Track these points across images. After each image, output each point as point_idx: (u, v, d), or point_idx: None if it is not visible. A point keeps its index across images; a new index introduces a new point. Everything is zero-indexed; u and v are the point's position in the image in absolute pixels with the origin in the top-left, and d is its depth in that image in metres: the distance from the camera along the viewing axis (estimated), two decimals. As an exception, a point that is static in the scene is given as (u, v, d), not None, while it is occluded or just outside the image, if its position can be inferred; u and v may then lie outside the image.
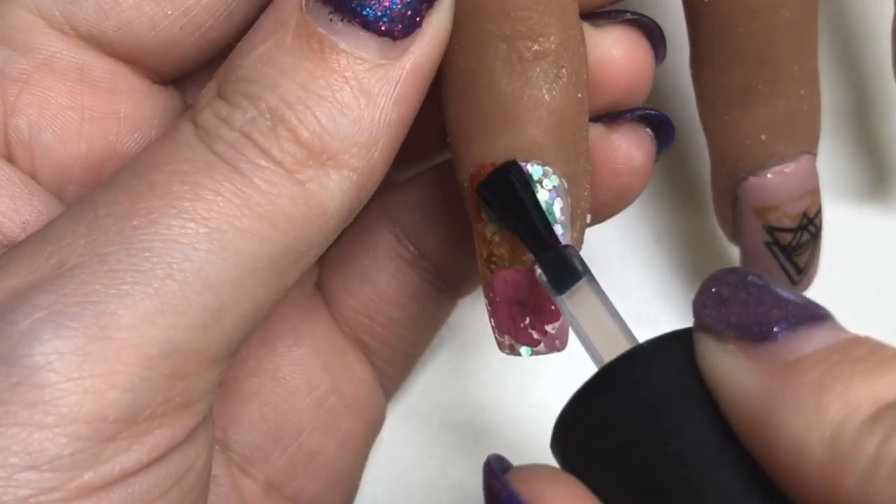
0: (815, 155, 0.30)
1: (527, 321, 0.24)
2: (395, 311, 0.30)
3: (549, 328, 0.24)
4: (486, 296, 0.24)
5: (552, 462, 0.34)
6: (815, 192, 0.30)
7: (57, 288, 0.21)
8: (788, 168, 0.29)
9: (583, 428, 0.21)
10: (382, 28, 0.23)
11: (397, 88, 0.23)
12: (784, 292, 0.20)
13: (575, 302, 0.23)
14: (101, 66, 0.26)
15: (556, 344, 0.24)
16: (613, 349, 0.22)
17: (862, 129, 0.37)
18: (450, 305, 0.31)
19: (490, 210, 0.24)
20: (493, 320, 0.25)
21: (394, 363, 0.30)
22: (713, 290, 0.20)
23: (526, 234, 0.23)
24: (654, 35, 0.27)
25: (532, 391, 0.34)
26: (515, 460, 0.34)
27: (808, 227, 0.30)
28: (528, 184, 0.23)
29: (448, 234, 0.29)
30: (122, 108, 0.26)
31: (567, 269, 0.23)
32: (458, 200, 0.29)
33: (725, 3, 0.27)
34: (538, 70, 0.24)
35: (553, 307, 0.24)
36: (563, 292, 0.23)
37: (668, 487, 0.20)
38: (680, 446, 0.20)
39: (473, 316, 0.34)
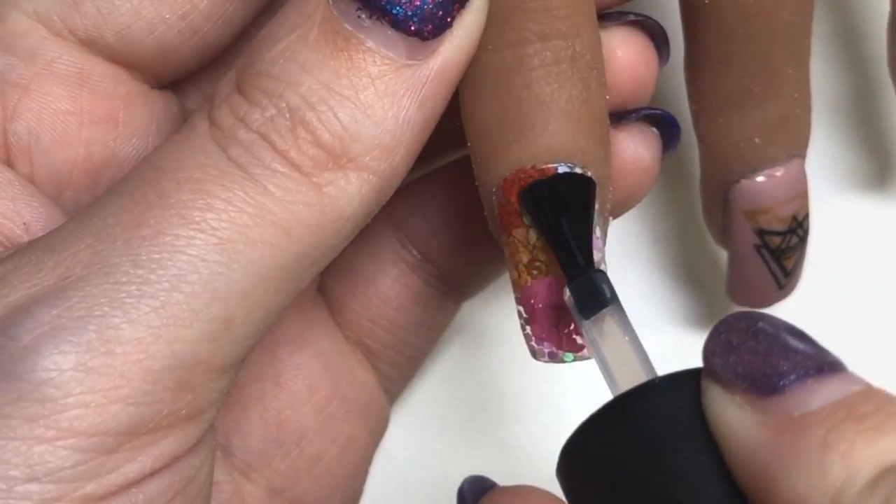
0: (804, 158, 0.30)
1: (571, 326, 0.24)
2: (398, 314, 0.30)
3: None
4: (524, 303, 0.24)
5: (550, 460, 0.34)
6: (804, 196, 0.30)
7: (60, 301, 0.21)
8: (780, 171, 0.29)
9: (586, 458, 0.21)
10: (412, 28, 0.22)
11: (423, 90, 0.22)
12: (794, 341, 0.20)
13: (599, 329, 0.22)
14: (101, 71, 0.26)
15: None
16: (631, 380, 0.21)
17: (861, 124, 0.37)
18: (453, 309, 0.31)
19: (531, 217, 0.23)
20: (530, 328, 0.24)
21: (397, 367, 0.30)
22: (723, 336, 0.20)
23: (562, 253, 0.23)
24: (657, 36, 0.26)
25: (532, 391, 0.34)
26: (514, 460, 0.35)
27: (797, 231, 0.30)
28: (586, 199, 0.23)
29: (452, 237, 0.29)
30: (121, 113, 0.26)
31: (596, 295, 0.22)
32: (462, 204, 0.29)
33: (725, 4, 0.27)
34: (575, 71, 0.23)
35: None
36: (588, 318, 0.22)
37: None
38: (680, 491, 0.19)
39: (474, 316, 0.34)
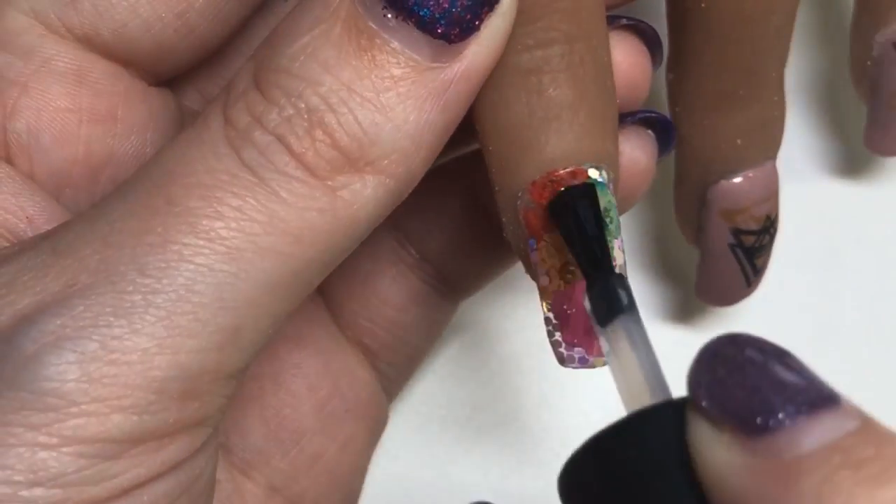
0: (776, 159, 0.30)
1: None
2: (397, 314, 0.29)
3: None
4: (556, 309, 0.23)
5: (549, 460, 0.34)
6: (776, 196, 0.31)
7: (65, 310, 0.20)
8: (755, 172, 0.30)
9: (580, 484, 0.20)
10: (439, 31, 0.21)
11: (447, 94, 0.22)
12: (784, 372, 0.18)
13: (613, 337, 0.21)
14: (99, 68, 0.26)
15: None
16: (634, 400, 0.21)
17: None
18: (452, 308, 0.31)
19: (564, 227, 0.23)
20: (560, 334, 0.23)
21: (396, 366, 0.30)
22: (709, 366, 0.19)
23: (585, 260, 0.22)
24: (650, 40, 0.26)
25: (532, 391, 0.34)
26: (515, 460, 0.35)
27: (769, 230, 0.31)
28: (598, 207, 0.22)
29: (450, 237, 0.29)
30: (120, 110, 0.26)
31: (614, 302, 0.21)
32: (460, 203, 0.29)
33: (722, 9, 0.27)
34: (598, 72, 0.23)
35: None
36: (605, 325, 0.21)
37: None
38: None
39: (474, 316, 0.34)
